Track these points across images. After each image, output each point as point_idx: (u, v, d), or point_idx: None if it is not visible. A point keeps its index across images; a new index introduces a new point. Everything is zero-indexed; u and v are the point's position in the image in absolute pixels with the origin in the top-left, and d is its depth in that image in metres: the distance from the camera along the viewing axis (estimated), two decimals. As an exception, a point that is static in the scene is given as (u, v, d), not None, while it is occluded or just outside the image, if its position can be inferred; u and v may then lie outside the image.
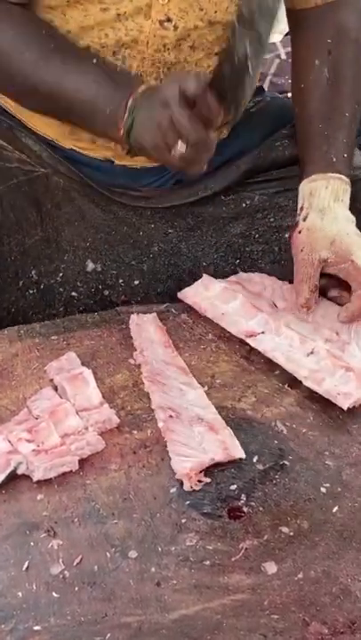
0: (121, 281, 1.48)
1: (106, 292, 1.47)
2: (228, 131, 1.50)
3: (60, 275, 1.46)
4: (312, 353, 1.19)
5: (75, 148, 1.41)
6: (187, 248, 1.51)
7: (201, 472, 1.00)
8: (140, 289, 1.48)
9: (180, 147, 1.15)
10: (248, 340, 1.23)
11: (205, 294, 1.32)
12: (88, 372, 1.14)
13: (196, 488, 0.98)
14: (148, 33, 1.27)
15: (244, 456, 1.03)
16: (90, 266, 1.46)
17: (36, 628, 0.84)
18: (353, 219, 1.31)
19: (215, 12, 1.29)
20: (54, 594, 0.88)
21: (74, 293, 1.47)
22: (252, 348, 1.24)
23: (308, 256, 1.28)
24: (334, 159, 1.33)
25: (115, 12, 1.25)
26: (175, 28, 1.27)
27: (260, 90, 1.61)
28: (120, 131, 1.21)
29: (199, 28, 1.29)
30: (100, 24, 1.26)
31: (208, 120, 1.15)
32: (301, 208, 1.32)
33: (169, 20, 1.26)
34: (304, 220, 1.30)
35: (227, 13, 1.29)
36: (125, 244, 1.46)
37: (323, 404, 1.14)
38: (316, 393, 1.15)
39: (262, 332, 1.24)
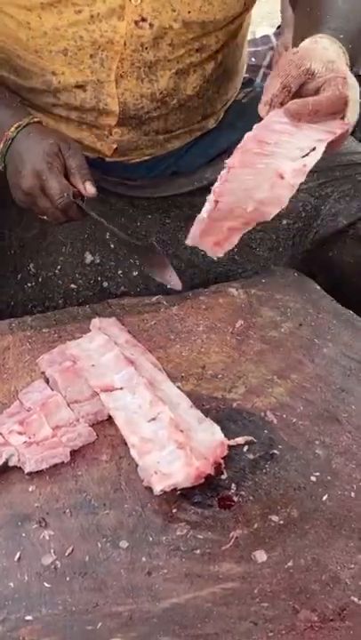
0: (120, 272, 1.48)
1: (105, 284, 1.48)
2: (217, 121, 1.51)
3: (59, 267, 1.47)
4: (154, 419, 1.05)
5: None
6: (185, 238, 1.51)
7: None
8: (139, 280, 1.49)
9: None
10: (101, 395, 1.11)
11: (87, 346, 1.22)
12: (80, 365, 1.15)
13: (168, 489, 0.96)
14: (125, 34, 1.26)
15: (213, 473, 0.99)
16: (88, 258, 1.47)
17: (28, 617, 0.84)
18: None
19: (189, 12, 1.27)
20: (46, 584, 0.88)
21: (73, 285, 1.47)
22: (242, 339, 1.25)
23: (298, 59, 1.08)
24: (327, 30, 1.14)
25: (88, 13, 1.25)
26: (151, 26, 1.26)
27: (250, 81, 1.62)
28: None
29: (175, 29, 1.28)
30: (73, 25, 1.26)
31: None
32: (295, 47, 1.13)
33: (144, 19, 1.26)
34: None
35: (201, 13, 1.28)
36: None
37: (313, 394, 1.15)
38: (306, 383, 1.16)
39: (121, 388, 1.11)
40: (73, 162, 1.25)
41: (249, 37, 1.63)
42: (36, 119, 1.29)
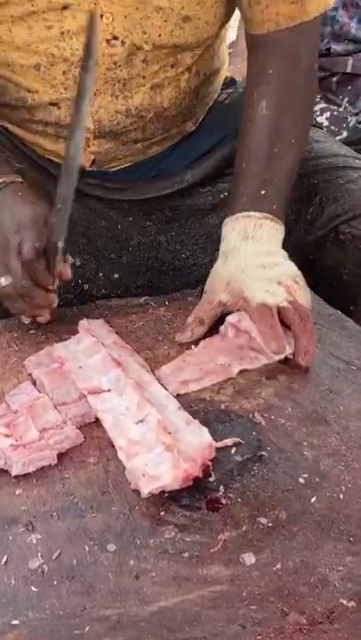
0: (101, 274, 1.47)
1: (86, 286, 1.47)
2: (196, 123, 1.49)
3: None
4: (142, 421, 1.04)
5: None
6: (166, 240, 1.51)
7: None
8: (120, 282, 1.48)
9: (5, 280, 1.18)
10: (88, 397, 1.10)
11: (75, 348, 1.21)
12: (66, 367, 1.14)
13: (155, 492, 0.96)
14: (97, 52, 1.22)
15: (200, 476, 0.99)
16: (69, 260, 1.46)
17: (15, 622, 0.84)
18: (269, 250, 1.25)
19: (159, 35, 1.25)
20: (33, 588, 0.88)
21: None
22: (230, 340, 1.25)
23: (209, 295, 1.24)
24: (245, 198, 1.28)
25: (58, 30, 1.23)
26: (123, 44, 1.24)
27: (231, 81, 1.60)
28: None
29: (145, 50, 1.26)
30: (44, 41, 1.24)
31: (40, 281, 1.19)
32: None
33: (115, 37, 1.24)
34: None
35: (172, 37, 1.26)
36: (104, 238, 1.46)
37: (301, 395, 1.15)
38: (295, 384, 1.15)
39: (108, 390, 1.11)
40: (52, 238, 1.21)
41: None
42: (20, 179, 1.27)
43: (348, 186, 1.44)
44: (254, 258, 1.22)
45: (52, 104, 1.32)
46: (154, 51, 1.27)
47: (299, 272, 1.22)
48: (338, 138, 2.62)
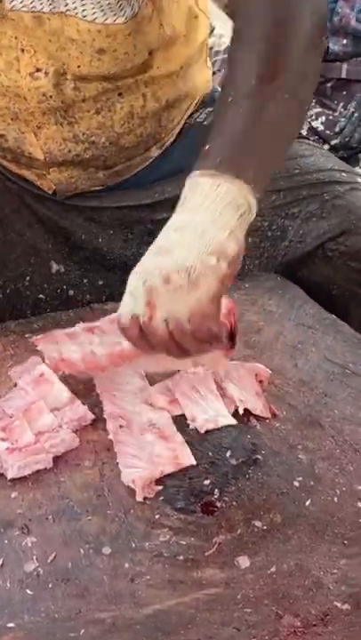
0: (85, 280, 1.47)
1: (71, 292, 1.46)
2: (162, 147, 1.42)
3: (27, 278, 1.45)
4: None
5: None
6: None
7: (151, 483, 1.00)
8: (104, 288, 1.47)
9: None
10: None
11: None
12: (49, 372, 1.13)
13: (150, 495, 0.98)
14: (23, 87, 1.22)
15: (194, 463, 1.02)
16: (54, 267, 1.45)
17: (10, 625, 0.84)
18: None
19: (78, 66, 1.21)
20: (28, 591, 0.88)
21: (41, 296, 1.45)
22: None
23: None
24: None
25: None
26: (46, 74, 1.21)
27: (211, 98, 1.49)
28: None
29: (70, 80, 1.23)
30: None
31: None
32: None
33: (39, 69, 1.21)
34: None
35: (92, 67, 1.22)
36: (86, 250, 1.44)
37: (296, 398, 1.15)
38: (289, 388, 1.16)
39: None
40: None
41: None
42: None
43: (335, 201, 1.43)
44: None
45: (0, 136, 1.31)
46: (80, 81, 1.24)
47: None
48: (333, 142, 2.64)
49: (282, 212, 1.44)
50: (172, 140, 1.43)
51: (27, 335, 1.27)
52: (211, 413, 1.08)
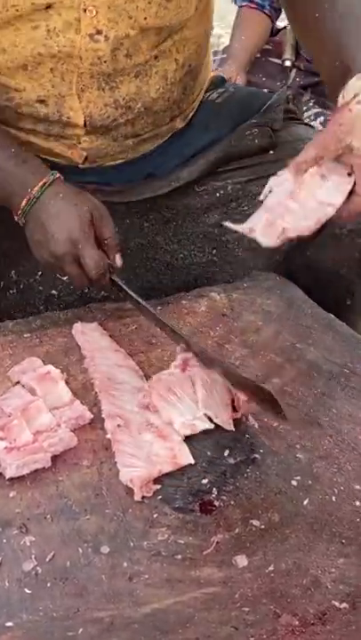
0: None
1: (85, 289, 1.47)
2: (185, 120, 1.50)
3: (40, 273, 1.46)
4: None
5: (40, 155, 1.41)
6: (163, 241, 1.51)
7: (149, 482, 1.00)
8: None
9: None
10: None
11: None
12: (55, 371, 1.14)
13: (148, 495, 0.98)
14: (81, 47, 1.25)
15: (192, 462, 1.02)
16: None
17: (9, 624, 0.84)
18: None
19: (145, 18, 1.26)
20: (27, 590, 0.88)
21: (54, 291, 1.46)
22: (224, 344, 1.25)
23: (341, 133, 1.08)
24: None
25: (45, 28, 1.23)
26: (106, 38, 1.25)
27: (221, 80, 1.61)
28: (19, 208, 1.27)
29: (131, 36, 1.27)
30: (31, 42, 1.24)
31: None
32: (356, 95, 1.10)
33: (99, 32, 1.24)
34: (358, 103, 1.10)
35: (157, 18, 1.27)
36: None
37: (294, 398, 1.15)
38: (288, 387, 1.16)
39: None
40: (106, 232, 1.25)
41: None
42: (57, 174, 1.28)
43: None
44: None
45: (40, 101, 1.33)
46: (138, 38, 1.28)
47: None
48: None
49: None
50: (191, 114, 1.51)
51: (25, 335, 1.27)
52: (188, 417, 1.08)
